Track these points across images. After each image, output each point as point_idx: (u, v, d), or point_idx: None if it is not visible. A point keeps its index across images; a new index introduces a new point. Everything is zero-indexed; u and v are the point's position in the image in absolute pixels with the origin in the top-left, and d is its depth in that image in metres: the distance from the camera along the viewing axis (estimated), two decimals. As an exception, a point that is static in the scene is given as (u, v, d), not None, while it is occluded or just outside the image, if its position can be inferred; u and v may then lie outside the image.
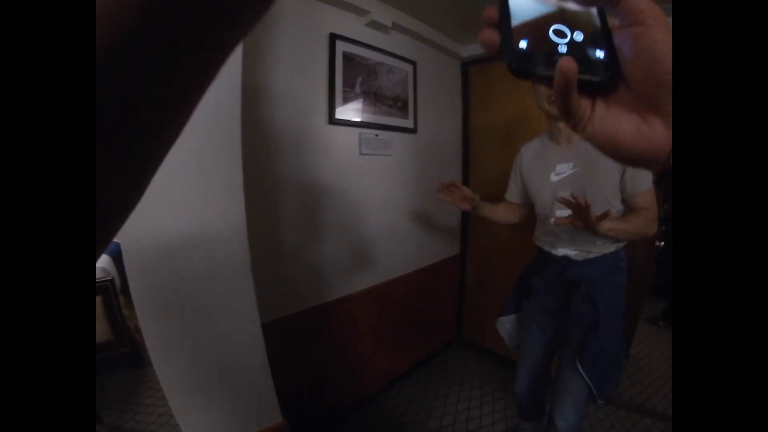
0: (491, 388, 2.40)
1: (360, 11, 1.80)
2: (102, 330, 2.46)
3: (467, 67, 2.63)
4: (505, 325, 1.72)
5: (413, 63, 2.15)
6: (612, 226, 1.22)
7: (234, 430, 1.09)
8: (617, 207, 1.32)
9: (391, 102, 2.04)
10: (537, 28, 0.28)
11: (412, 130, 2.21)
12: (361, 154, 1.94)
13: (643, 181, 1.25)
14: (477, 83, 2.62)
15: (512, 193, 1.66)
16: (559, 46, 0.28)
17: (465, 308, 2.95)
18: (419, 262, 2.46)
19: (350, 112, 1.84)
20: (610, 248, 1.38)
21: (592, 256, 1.40)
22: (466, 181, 2.74)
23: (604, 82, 0.29)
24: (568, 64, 0.25)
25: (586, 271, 1.39)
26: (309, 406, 1.77)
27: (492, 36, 0.28)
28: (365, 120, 1.92)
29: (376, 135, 1.99)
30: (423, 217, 2.43)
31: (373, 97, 1.94)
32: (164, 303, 0.94)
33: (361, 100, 1.88)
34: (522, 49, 0.28)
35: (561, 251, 1.46)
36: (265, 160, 1.54)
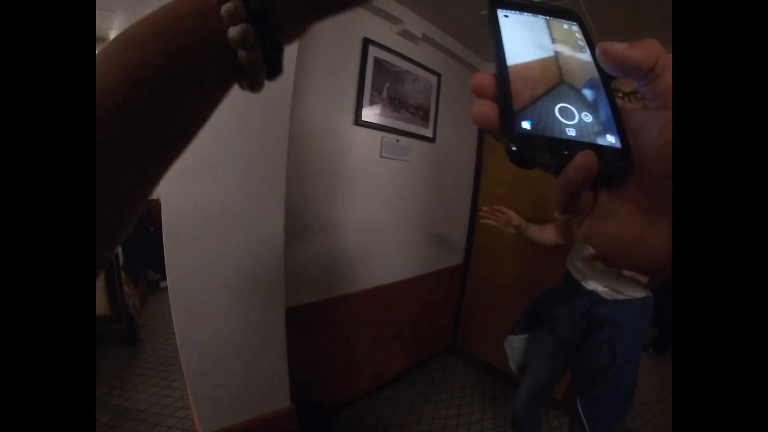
0: (481, 398, 2.43)
1: (394, 19, 1.87)
2: (100, 304, 2.51)
3: (489, 83, 2.69)
4: (513, 344, 1.70)
5: (438, 74, 2.22)
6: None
7: (245, 409, 1.12)
8: None
9: (413, 110, 2.10)
10: (540, 106, 0.25)
11: (431, 140, 2.28)
12: (381, 156, 2.00)
13: None
14: (497, 100, 2.67)
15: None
16: (567, 129, 0.24)
17: (462, 318, 2.99)
18: (423, 268, 2.51)
19: (375, 115, 1.91)
20: (641, 293, 1.30)
21: (622, 297, 1.31)
22: (476, 195, 2.80)
23: (616, 172, 0.24)
24: (588, 162, 0.22)
25: (614, 313, 1.32)
26: (305, 396, 1.81)
27: (489, 109, 0.24)
28: (388, 125, 1.98)
29: (397, 140, 2.05)
30: (432, 224, 2.49)
31: (397, 104, 2.00)
32: (197, 271, 0.98)
33: (386, 104, 1.95)
34: (526, 130, 0.24)
35: (591, 285, 1.38)
36: (293, 153, 1.59)
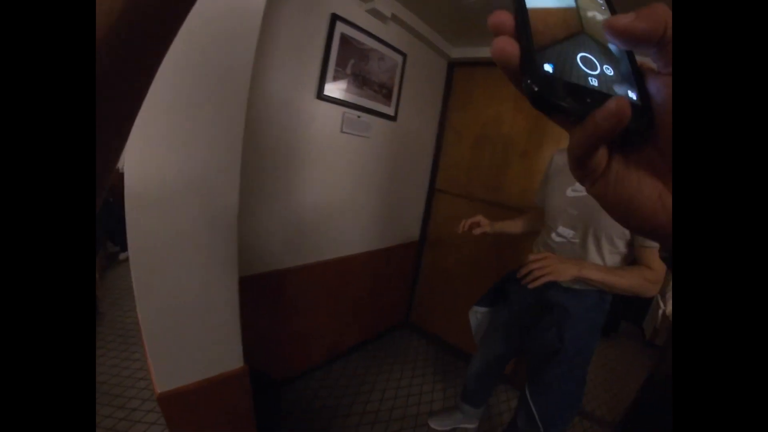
0: (433, 370, 2.56)
1: (363, -3, 1.88)
2: None
3: (453, 67, 2.76)
4: (477, 315, 1.73)
5: (404, 54, 2.25)
6: (592, 275, 1.15)
7: (202, 369, 1.16)
8: (621, 250, 1.23)
9: (377, 87, 2.13)
10: (562, 51, 0.24)
11: (393, 118, 2.32)
12: (342, 132, 2.02)
13: None
14: (459, 84, 2.75)
15: (538, 198, 1.55)
16: (590, 78, 0.23)
17: (416, 294, 3.11)
18: (379, 243, 2.58)
19: (338, 90, 1.92)
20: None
21: (577, 286, 1.31)
22: (434, 175, 2.89)
23: (637, 131, 0.23)
24: (623, 108, 0.20)
25: (566, 299, 1.32)
26: (259, 365, 1.85)
27: (510, 46, 0.23)
28: (350, 101, 2.00)
29: (359, 116, 2.08)
30: (389, 201, 2.55)
31: (361, 80, 2.02)
32: (157, 240, 0.99)
33: (350, 81, 1.96)
34: (548, 72, 0.22)
35: None
36: (253, 124, 1.59)
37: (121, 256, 3.63)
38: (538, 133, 2.33)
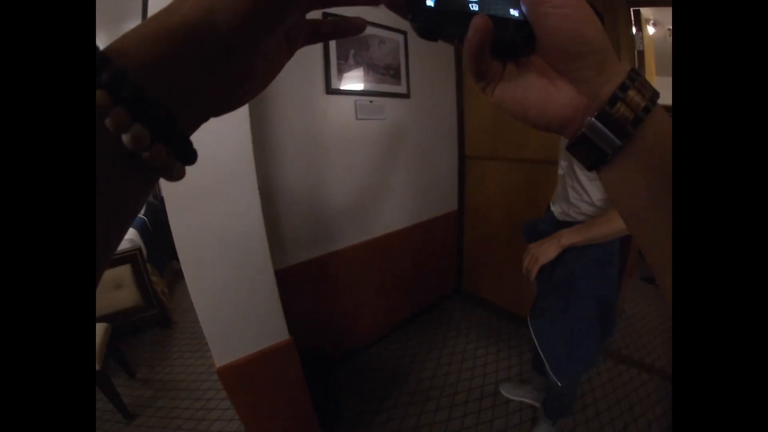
0: (486, 335, 2.62)
1: (350, -16, 1.92)
2: (133, 295, 2.79)
3: (461, 32, 2.71)
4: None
5: (404, 32, 2.26)
6: (573, 239, 1.20)
7: (251, 343, 1.35)
8: (596, 176, 1.24)
9: (383, 70, 2.18)
10: None
11: (405, 95, 2.35)
12: (357, 119, 2.11)
13: None
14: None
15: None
16: (471, 4, 0.26)
17: (464, 262, 3.15)
18: (419, 217, 2.67)
19: (345, 82, 2.00)
20: (582, 217, 1.32)
21: (569, 219, 1.35)
22: (461, 140, 2.89)
23: (518, 43, 0.27)
24: (483, 23, 0.24)
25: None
26: (316, 346, 2.03)
27: None
28: (360, 89, 2.08)
29: (371, 101, 2.15)
30: (420, 175, 2.62)
31: (366, 67, 2.08)
32: (197, 236, 1.17)
33: (354, 70, 2.04)
34: (430, 6, 0.26)
35: (553, 207, 1.45)
36: (268, 128, 1.73)
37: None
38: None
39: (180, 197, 1.12)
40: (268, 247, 1.34)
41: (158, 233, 3.58)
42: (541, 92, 0.29)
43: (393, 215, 2.47)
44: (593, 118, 0.26)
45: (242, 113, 1.21)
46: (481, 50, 0.26)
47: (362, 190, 2.24)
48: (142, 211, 3.65)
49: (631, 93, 0.25)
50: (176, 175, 0.25)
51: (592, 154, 0.28)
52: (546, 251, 1.23)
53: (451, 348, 2.48)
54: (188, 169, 0.26)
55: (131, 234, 3.05)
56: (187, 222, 1.14)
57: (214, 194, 1.18)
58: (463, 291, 3.19)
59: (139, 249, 2.84)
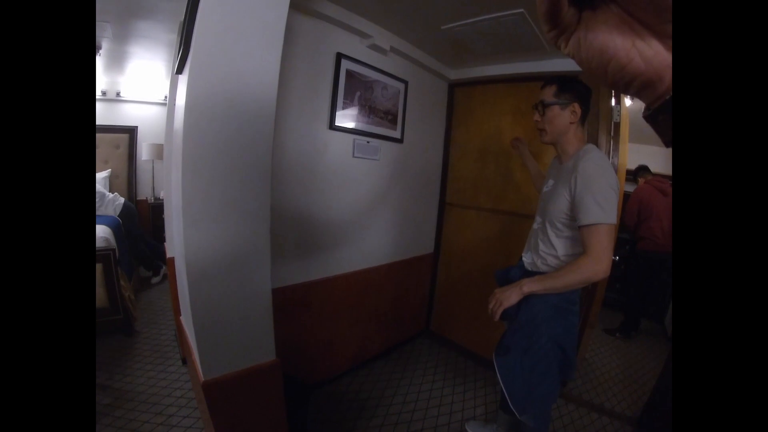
0: (453, 374, 2.69)
1: (364, 35, 2.11)
2: (100, 296, 2.70)
3: (453, 88, 2.97)
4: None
5: (405, 82, 2.46)
6: (533, 287, 1.32)
7: (239, 361, 1.37)
8: (564, 234, 1.39)
9: (382, 114, 2.34)
10: None
11: (399, 140, 2.53)
12: (354, 156, 2.24)
13: (584, 212, 1.23)
14: (460, 103, 2.96)
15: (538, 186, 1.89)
16: None
17: (435, 303, 3.26)
18: (398, 256, 2.77)
19: (347, 120, 2.15)
20: (547, 267, 1.46)
21: (536, 270, 1.49)
22: (444, 187, 3.08)
23: None
24: None
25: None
26: (290, 370, 2.04)
27: None
28: (359, 128, 2.22)
29: (368, 141, 2.29)
30: (403, 216, 2.74)
31: (367, 110, 2.24)
32: (206, 251, 1.22)
33: (357, 111, 2.19)
34: None
35: (524, 256, 1.59)
36: (276, 155, 1.81)
37: (153, 280, 3.93)
38: (536, 143, 2.48)
39: (197, 213, 1.18)
40: (269, 267, 1.40)
41: (130, 237, 3.50)
42: (624, 42, 0.25)
43: (374, 251, 2.57)
44: None
45: (268, 128, 1.31)
46: None
47: (349, 224, 2.34)
48: (118, 212, 3.58)
49: None
50: None
51: None
52: (509, 297, 1.36)
53: (418, 385, 2.52)
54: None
55: (106, 233, 2.98)
56: (200, 234, 1.20)
57: (229, 209, 1.25)
58: (432, 331, 3.27)
59: (114, 250, 2.77)
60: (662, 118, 0.25)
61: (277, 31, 1.29)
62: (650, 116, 0.26)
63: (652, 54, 0.24)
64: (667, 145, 0.26)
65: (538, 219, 1.53)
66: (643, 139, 4.20)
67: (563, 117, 1.37)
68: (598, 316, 3.08)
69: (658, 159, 4.30)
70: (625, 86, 0.27)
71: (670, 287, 3.64)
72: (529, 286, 1.34)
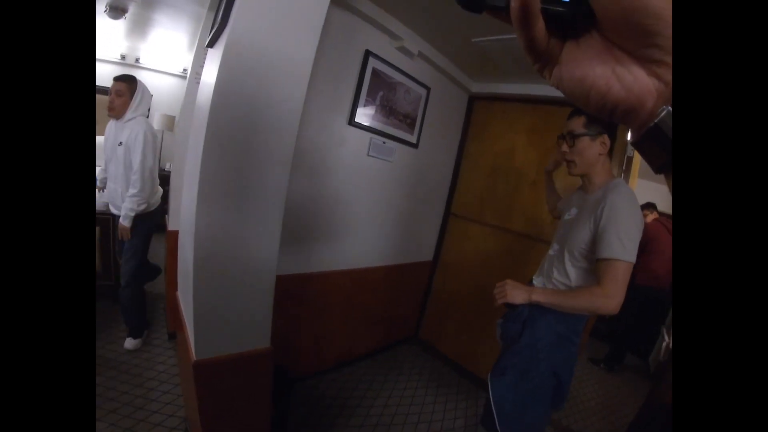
0: (436, 384, 2.69)
1: (395, 36, 2.11)
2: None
3: (473, 100, 2.97)
4: (498, 327, 1.73)
5: (428, 88, 2.47)
6: (540, 299, 1.31)
7: (234, 342, 1.36)
8: (580, 264, 1.36)
9: (402, 117, 2.34)
10: None
11: (415, 145, 2.53)
12: (368, 155, 2.24)
13: (605, 246, 1.22)
14: (478, 116, 2.96)
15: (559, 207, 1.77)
16: None
17: (426, 311, 3.25)
18: (395, 259, 2.76)
19: (367, 118, 2.15)
20: (561, 285, 1.42)
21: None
22: (450, 198, 3.07)
23: (573, 16, 0.25)
24: None
25: (533, 308, 1.41)
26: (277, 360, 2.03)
27: None
28: (377, 128, 2.22)
29: (384, 142, 2.29)
30: (407, 220, 2.74)
31: (387, 111, 2.24)
32: (217, 227, 1.21)
33: (378, 110, 2.19)
34: None
35: (535, 280, 1.55)
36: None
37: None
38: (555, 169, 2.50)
39: (213, 189, 1.17)
40: (277, 253, 1.39)
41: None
42: (604, 70, 0.25)
43: (374, 251, 2.57)
44: (670, 107, 0.23)
45: (294, 115, 1.30)
46: (528, 19, 0.24)
47: (353, 221, 2.33)
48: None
49: None
50: None
51: (664, 152, 0.24)
52: (516, 295, 1.34)
53: (401, 390, 2.52)
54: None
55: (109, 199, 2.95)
56: (213, 210, 1.19)
57: (246, 190, 1.25)
58: (420, 339, 3.26)
59: (113, 216, 2.74)
60: (648, 145, 0.25)
61: (317, 18, 1.29)
62: (637, 145, 0.26)
63: (632, 80, 0.25)
64: (656, 172, 0.26)
65: (555, 246, 1.51)
66: (649, 175, 4.20)
67: (593, 148, 1.36)
68: (585, 345, 3.08)
69: (666, 197, 4.30)
70: (610, 114, 0.27)
71: (660, 326, 3.66)
72: (537, 295, 1.33)
